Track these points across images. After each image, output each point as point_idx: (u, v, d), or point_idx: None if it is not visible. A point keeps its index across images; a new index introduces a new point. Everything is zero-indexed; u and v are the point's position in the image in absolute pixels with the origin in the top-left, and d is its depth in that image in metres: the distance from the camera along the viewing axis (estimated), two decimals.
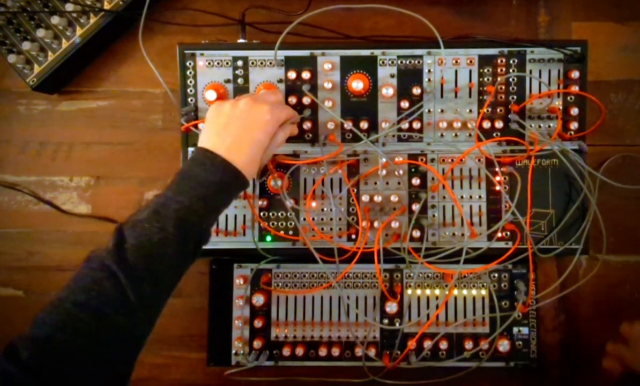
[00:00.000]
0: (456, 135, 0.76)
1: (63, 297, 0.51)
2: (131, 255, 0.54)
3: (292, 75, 0.75)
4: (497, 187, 0.75)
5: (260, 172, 0.73)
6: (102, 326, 0.51)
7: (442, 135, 0.76)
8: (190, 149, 0.76)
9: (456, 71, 0.75)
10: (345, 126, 0.75)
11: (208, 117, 0.66)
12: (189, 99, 0.76)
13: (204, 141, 0.64)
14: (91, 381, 0.50)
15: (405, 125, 0.75)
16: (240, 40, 0.78)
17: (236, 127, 0.63)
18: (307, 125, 0.75)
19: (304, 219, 0.75)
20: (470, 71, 0.75)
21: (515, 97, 0.75)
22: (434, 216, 0.75)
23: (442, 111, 0.75)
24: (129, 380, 0.54)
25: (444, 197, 0.75)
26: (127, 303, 0.52)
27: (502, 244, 0.75)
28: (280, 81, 0.76)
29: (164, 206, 0.58)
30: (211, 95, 0.74)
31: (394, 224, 0.74)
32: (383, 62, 0.75)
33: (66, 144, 0.85)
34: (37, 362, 0.46)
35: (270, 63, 0.75)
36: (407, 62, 0.75)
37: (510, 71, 0.75)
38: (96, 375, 0.50)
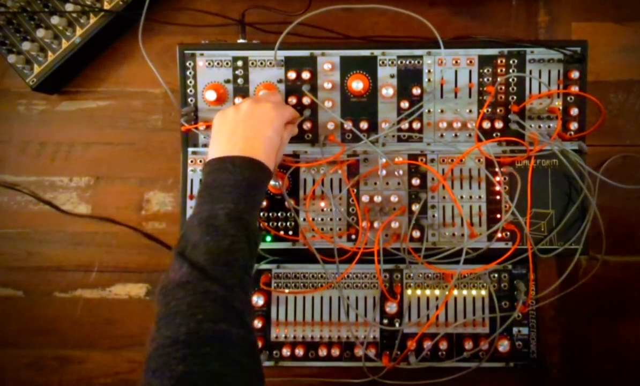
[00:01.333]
0: (456, 135, 0.76)
1: (169, 335, 0.48)
2: (212, 269, 0.52)
3: (292, 75, 0.75)
4: (497, 188, 0.75)
5: (275, 172, 0.72)
6: (226, 344, 0.49)
7: (442, 135, 0.76)
8: (190, 150, 0.76)
9: (456, 71, 0.75)
10: (345, 126, 0.75)
11: (214, 128, 0.65)
12: (189, 99, 0.76)
13: (215, 152, 0.63)
14: None
15: (405, 125, 0.75)
16: (240, 41, 0.78)
17: (244, 129, 0.63)
18: (307, 125, 0.75)
19: (304, 219, 0.75)
20: (470, 71, 0.75)
21: (515, 97, 0.75)
22: (433, 216, 0.75)
23: (442, 111, 0.75)
24: None
25: (444, 197, 0.75)
26: (235, 312, 0.51)
27: (502, 245, 0.75)
28: (280, 81, 0.76)
29: (212, 217, 0.57)
30: (211, 95, 0.74)
31: (394, 225, 0.74)
32: (383, 63, 0.75)
33: (66, 144, 0.85)
34: None
35: (270, 63, 0.75)
36: (407, 62, 0.75)
37: (510, 71, 0.75)
38: (239, 377, 0.48)
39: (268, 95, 0.70)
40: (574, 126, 0.75)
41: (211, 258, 0.53)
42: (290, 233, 0.76)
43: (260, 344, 0.74)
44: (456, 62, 0.75)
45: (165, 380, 0.44)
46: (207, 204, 0.58)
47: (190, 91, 0.76)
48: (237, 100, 0.75)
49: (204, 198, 0.59)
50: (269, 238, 0.76)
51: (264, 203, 0.75)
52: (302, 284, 0.76)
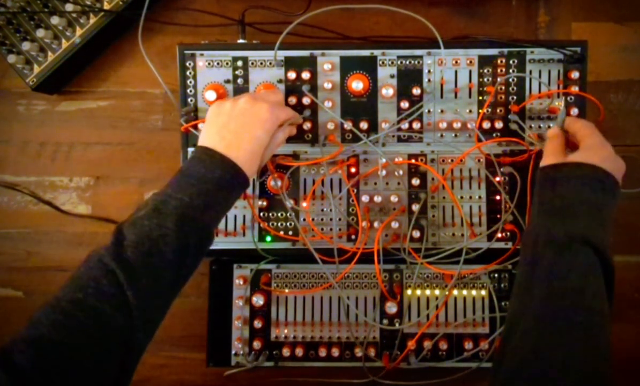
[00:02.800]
0: (456, 135, 0.76)
1: (60, 296, 0.50)
2: (130, 252, 0.53)
3: (292, 75, 0.75)
4: (497, 188, 0.75)
5: (260, 172, 0.73)
6: (99, 325, 0.49)
7: (442, 135, 0.76)
8: (190, 149, 0.76)
9: (456, 71, 0.75)
10: (345, 126, 0.75)
11: (208, 116, 0.66)
12: (189, 100, 0.76)
13: (204, 140, 0.64)
14: (87, 383, 0.48)
15: (405, 125, 0.75)
16: (240, 41, 0.78)
17: (236, 125, 0.63)
18: (307, 125, 0.75)
19: (304, 219, 0.75)
20: (470, 71, 0.75)
21: (515, 97, 0.75)
22: (433, 216, 0.75)
23: (442, 111, 0.75)
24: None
25: (444, 197, 0.75)
26: (125, 301, 0.51)
27: (502, 245, 0.75)
28: (280, 81, 0.75)
29: (164, 203, 0.57)
30: (211, 95, 0.74)
31: (394, 225, 0.74)
32: (383, 63, 0.75)
33: (66, 145, 0.85)
34: (31, 365, 0.45)
35: (270, 63, 0.75)
36: (407, 62, 0.75)
37: (510, 71, 0.75)
38: (92, 378, 0.49)
39: (267, 94, 0.70)
40: None
41: (136, 240, 0.54)
42: (290, 233, 0.76)
43: (260, 344, 0.74)
44: (456, 62, 0.75)
45: (27, 333, 0.47)
46: (170, 188, 0.59)
47: (190, 91, 0.76)
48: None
49: (173, 180, 0.60)
50: (269, 238, 0.76)
51: (264, 203, 0.75)
52: (302, 284, 0.76)
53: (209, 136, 0.64)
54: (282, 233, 0.76)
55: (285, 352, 0.75)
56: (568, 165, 0.62)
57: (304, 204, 0.75)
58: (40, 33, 0.78)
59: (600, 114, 0.72)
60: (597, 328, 0.52)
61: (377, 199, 0.75)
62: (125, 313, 0.51)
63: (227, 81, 0.76)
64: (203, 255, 0.62)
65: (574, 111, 0.74)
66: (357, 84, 0.73)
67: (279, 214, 0.76)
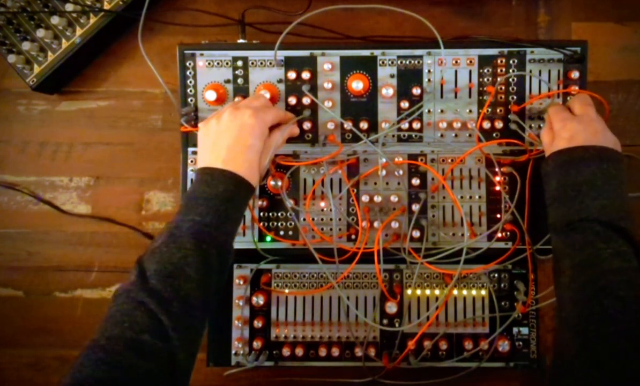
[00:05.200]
0: (456, 135, 0.76)
1: (96, 337, 0.50)
2: (155, 281, 0.54)
3: (292, 75, 0.75)
4: (497, 188, 0.75)
5: (263, 176, 0.73)
6: (141, 354, 0.50)
7: (442, 135, 0.76)
8: (190, 149, 0.76)
9: (456, 71, 0.75)
10: (345, 126, 0.75)
11: (199, 140, 0.68)
12: (189, 99, 0.76)
13: (201, 162, 0.65)
14: None
15: (405, 125, 0.75)
16: (240, 41, 0.78)
17: (225, 139, 0.64)
18: (307, 125, 0.75)
19: (304, 219, 0.75)
20: (470, 71, 0.75)
21: (515, 97, 0.75)
22: (433, 216, 0.75)
23: (442, 111, 0.75)
24: None
25: (444, 197, 0.75)
26: (161, 326, 0.52)
27: (502, 245, 0.75)
28: (280, 81, 0.75)
29: (177, 228, 0.58)
30: (211, 95, 0.74)
31: (394, 225, 0.74)
32: (383, 63, 0.75)
33: (66, 144, 0.85)
34: None
35: (270, 63, 0.75)
36: (407, 62, 0.75)
37: (510, 71, 0.75)
38: None
39: (250, 100, 0.71)
40: None
41: (159, 269, 0.55)
42: (290, 233, 0.76)
43: (260, 344, 0.74)
44: (456, 62, 0.75)
45: (71, 379, 0.47)
46: (180, 214, 0.60)
47: (190, 91, 0.76)
48: (238, 100, 0.75)
49: (181, 207, 0.62)
50: (269, 238, 0.76)
51: (264, 203, 0.75)
52: (302, 285, 0.76)
53: (204, 157, 0.65)
54: (282, 233, 0.76)
55: (286, 352, 0.75)
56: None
57: (304, 204, 0.75)
58: (40, 33, 0.78)
59: (604, 112, 0.72)
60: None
61: (377, 199, 0.75)
62: (163, 338, 0.52)
63: (227, 81, 0.76)
64: (226, 271, 0.63)
65: None
66: (357, 84, 0.73)
67: (279, 214, 0.76)
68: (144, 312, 0.52)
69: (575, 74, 0.74)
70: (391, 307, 0.74)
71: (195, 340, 0.57)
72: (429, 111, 0.75)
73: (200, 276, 0.57)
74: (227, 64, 0.76)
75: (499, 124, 0.74)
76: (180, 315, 0.54)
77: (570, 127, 0.64)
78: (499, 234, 0.74)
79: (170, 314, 0.52)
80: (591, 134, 0.63)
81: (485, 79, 0.75)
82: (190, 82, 0.76)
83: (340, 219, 0.75)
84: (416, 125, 0.75)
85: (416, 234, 0.74)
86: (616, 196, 0.60)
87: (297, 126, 0.74)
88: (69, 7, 0.78)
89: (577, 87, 0.74)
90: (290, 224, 0.76)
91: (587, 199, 0.59)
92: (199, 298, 0.56)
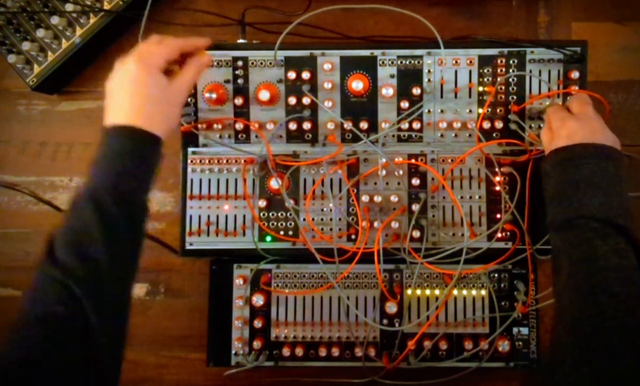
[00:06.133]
0: (456, 135, 0.76)
1: (15, 319, 0.52)
2: (60, 252, 0.53)
3: (292, 75, 0.75)
4: (497, 188, 0.75)
5: (175, 124, 0.65)
6: (52, 326, 0.50)
7: (442, 135, 0.76)
8: (190, 150, 0.76)
9: (456, 71, 0.75)
10: (345, 126, 0.75)
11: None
12: (189, 100, 0.76)
13: (104, 124, 0.61)
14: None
15: (405, 125, 0.75)
16: (240, 41, 0.78)
17: (117, 95, 0.61)
18: (307, 125, 0.75)
19: (304, 219, 0.75)
20: (470, 71, 0.75)
21: (515, 97, 0.75)
22: (433, 216, 0.75)
23: (442, 111, 0.75)
24: (116, 375, 0.53)
25: (444, 197, 0.75)
26: (71, 294, 0.51)
27: (502, 245, 0.75)
28: (280, 81, 0.75)
29: (78, 196, 0.56)
30: (211, 95, 0.74)
31: (394, 225, 0.74)
32: (383, 63, 0.75)
33: (66, 144, 0.85)
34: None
35: (270, 63, 0.75)
36: (407, 62, 0.75)
37: (510, 71, 0.75)
38: (68, 380, 0.49)
39: (138, 46, 0.64)
40: None
41: (62, 241, 0.54)
42: (290, 233, 0.76)
43: (260, 344, 0.74)
44: (456, 62, 0.75)
45: None
46: (81, 185, 0.58)
47: (190, 91, 0.76)
48: (237, 100, 0.75)
49: (87, 174, 0.59)
50: (269, 238, 0.76)
51: (264, 203, 0.75)
52: (302, 284, 0.76)
53: (106, 119, 0.61)
54: (282, 233, 0.76)
55: (286, 352, 0.75)
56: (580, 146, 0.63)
57: (304, 204, 0.75)
58: (40, 33, 0.78)
59: (604, 111, 0.72)
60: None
61: (377, 199, 0.75)
62: (74, 305, 0.51)
63: (227, 81, 0.76)
64: (141, 230, 0.60)
65: None
66: (357, 84, 0.73)
67: (279, 214, 0.76)
68: (53, 284, 0.51)
69: (575, 74, 0.74)
70: (391, 307, 0.74)
71: (111, 304, 0.55)
72: (429, 111, 0.75)
73: (106, 238, 0.54)
74: (227, 64, 0.76)
75: (499, 124, 0.74)
76: (89, 280, 0.53)
77: (568, 125, 0.64)
78: (499, 234, 0.74)
79: (78, 280, 0.51)
80: (589, 132, 0.63)
81: (485, 79, 0.75)
82: None
83: (340, 219, 0.75)
84: (416, 125, 0.75)
85: (416, 234, 0.74)
86: (615, 194, 0.60)
87: (208, 57, 0.68)
88: (69, 7, 0.78)
89: (577, 88, 0.74)
90: (290, 224, 0.76)
91: (586, 196, 0.59)
92: (109, 261, 0.54)
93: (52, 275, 0.52)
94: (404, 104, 0.75)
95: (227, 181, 0.76)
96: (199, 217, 0.76)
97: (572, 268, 0.57)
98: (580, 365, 0.49)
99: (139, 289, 0.83)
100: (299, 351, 0.74)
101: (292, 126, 0.76)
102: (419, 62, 0.75)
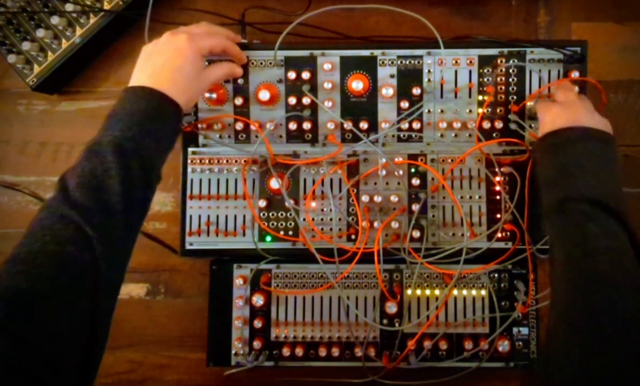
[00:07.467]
0: (456, 135, 0.76)
1: (15, 252, 0.50)
2: (78, 193, 0.53)
3: (292, 75, 0.75)
4: (497, 188, 0.75)
5: (192, 104, 0.70)
6: (63, 266, 0.50)
7: (442, 135, 0.76)
8: (190, 150, 0.76)
9: (456, 71, 0.75)
10: (345, 126, 0.75)
11: (137, 64, 0.65)
12: None
13: (131, 81, 0.63)
14: (63, 326, 0.48)
15: (405, 125, 0.75)
16: (240, 41, 0.78)
17: (156, 59, 0.63)
18: (307, 125, 0.75)
19: (304, 219, 0.75)
20: (470, 71, 0.75)
21: (515, 97, 0.75)
22: (433, 216, 0.75)
23: (442, 111, 0.75)
24: (106, 328, 0.54)
25: (444, 197, 0.75)
26: (85, 237, 0.51)
27: (502, 245, 0.75)
28: (280, 81, 0.76)
29: (97, 144, 0.56)
30: (211, 95, 0.74)
31: (394, 225, 0.74)
32: (383, 63, 0.75)
33: (66, 145, 0.85)
34: (3, 315, 0.45)
35: (270, 63, 0.75)
36: (407, 62, 0.75)
37: (510, 71, 0.75)
38: (67, 319, 0.49)
39: (191, 27, 0.69)
40: None
41: (80, 182, 0.53)
42: (290, 233, 0.76)
43: (260, 344, 0.74)
44: (456, 62, 0.75)
45: None
46: (101, 130, 0.58)
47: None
48: (237, 100, 0.75)
49: (102, 125, 0.59)
50: (269, 238, 0.76)
51: (264, 203, 0.75)
52: (302, 284, 0.76)
53: (134, 76, 0.63)
54: (282, 233, 0.76)
55: (285, 352, 0.75)
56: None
57: (304, 203, 0.75)
58: (40, 33, 0.78)
59: (601, 102, 0.72)
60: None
61: (377, 199, 0.75)
62: (87, 248, 0.51)
63: (227, 81, 0.76)
64: (151, 192, 0.60)
65: None
66: (357, 84, 0.74)
67: (279, 214, 0.76)
68: (67, 224, 0.51)
69: (575, 74, 0.74)
70: (391, 307, 0.74)
71: (121, 254, 0.56)
72: (429, 111, 0.75)
73: (124, 189, 0.55)
74: None
75: (498, 124, 0.74)
76: (104, 227, 0.52)
77: (552, 111, 0.65)
78: (499, 234, 0.74)
79: (94, 225, 0.51)
80: (572, 114, 0.63)
81: (485, 79, 0.75)
82: None
83: (340, 219, 0.75)
84: (416, 125, 0.75)
85: (416, 234, 0.74)
86: (606, 176, 0.59)
87: (240, 67, 0.73)
88: (69, 7, 0.78)
89: (577, 88, 0.74)
90: (290, 224, 0.76)
91: (574, 178, 0.59)
92: (124, 212, 0.55)
93: (68, 215, 0.51)
94: (404, 104, 0.75)
95: (227, 181, 0.76)
96: (199, 217, 0.76)
97: (563, 255, 0.57)
98: (571, 348, 0.49)
99: (139, 289, 0.83)
100: (299, 351, 0.74)
101: (292, 125, 0.76)
102: (419, 62, 0.75)
